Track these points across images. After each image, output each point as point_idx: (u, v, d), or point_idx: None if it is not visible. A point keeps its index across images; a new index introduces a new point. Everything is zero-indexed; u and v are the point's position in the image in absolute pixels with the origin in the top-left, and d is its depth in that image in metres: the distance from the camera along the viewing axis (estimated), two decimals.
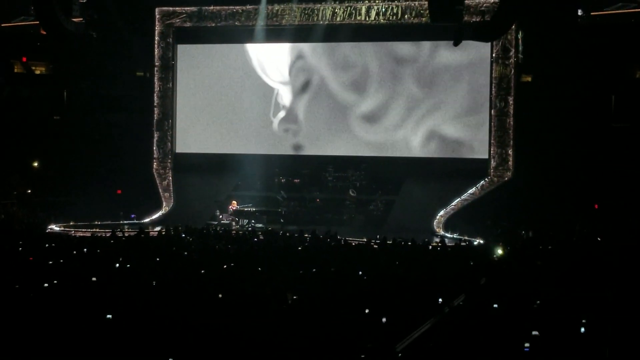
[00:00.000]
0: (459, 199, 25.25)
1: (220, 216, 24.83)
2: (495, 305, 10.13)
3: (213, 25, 27.80)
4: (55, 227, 23.73)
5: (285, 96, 27.84)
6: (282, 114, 27.77)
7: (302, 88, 27.56)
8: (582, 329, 8.84)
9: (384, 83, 26.88)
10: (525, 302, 10.35)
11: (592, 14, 26.89)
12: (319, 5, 26.65)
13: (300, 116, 27.64)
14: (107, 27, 27.75)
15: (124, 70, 29.29)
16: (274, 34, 27.19)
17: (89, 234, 21.92)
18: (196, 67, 28.65)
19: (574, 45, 24.96)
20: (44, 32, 27.60)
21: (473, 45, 24.12)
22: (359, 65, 27.07)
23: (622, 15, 27.25)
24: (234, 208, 25.02)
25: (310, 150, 27.63)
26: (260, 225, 24.01)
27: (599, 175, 24.12)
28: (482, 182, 25.62)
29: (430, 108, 26.42)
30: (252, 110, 27.91)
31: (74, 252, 15.61)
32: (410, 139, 26.66)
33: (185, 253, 15.90)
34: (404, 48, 26.86)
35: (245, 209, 25.19)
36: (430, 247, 18.44)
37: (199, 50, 28.82)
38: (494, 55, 25.45)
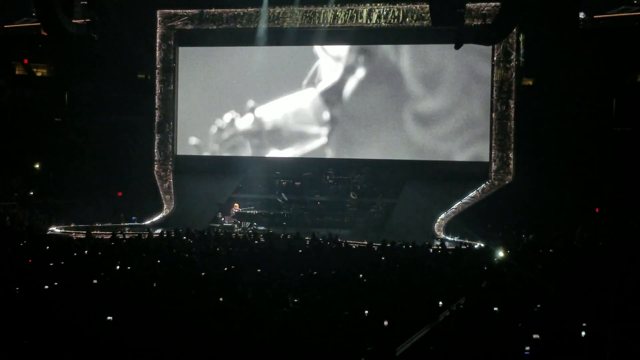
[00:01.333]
0: (459, 202, 25.22)
1: (222, 218, 24.84)
2: (496, 309, 10.13)
3: (214, 27, 27.82)
4: (56, 229, 23.73)
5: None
6: (323, 84, 27.43)
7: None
8: (583, 333, 8.83)
9: (385, 85, 26.89)
10: (526, 305, 10.35)
11: (595, 17, 26.90)
12: (321, 8, 26.68)
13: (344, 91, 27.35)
14: (108, 29, 27.73)
15: (125, 73, 29.33)
16: (276, 37, 27.22)
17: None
18: (197, 69, 28.67)
19: (575, 48, 24.97)
20: (45, 34, 27.63)
21: (474, 49, 24.13)
22: (359, 67, 27.12)
23: (625, 19, 27.28)
24: (236, 210, 25.03)
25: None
26: (262, 227, 24.03)
27: (599, 179, 24.11)
28: (482, 185, 25.60)
29: (430, 111, 26.43)
30: (254, 113, 27.95)
31: (75, 254, 15.62)
32: (411, 142, 26.68)
33: (186, 255, 15.91)
34: (405, 51, 26.88)
35: (247, 212, 25.20)
36: (430, 250, 18.43)
37: (200, 52, 28.85)
38: (495, 58, 25.46)
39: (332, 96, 27.33)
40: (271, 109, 27.86)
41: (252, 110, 27.98)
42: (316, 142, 27.61)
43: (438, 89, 26.38)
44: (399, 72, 26.76)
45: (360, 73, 27.10)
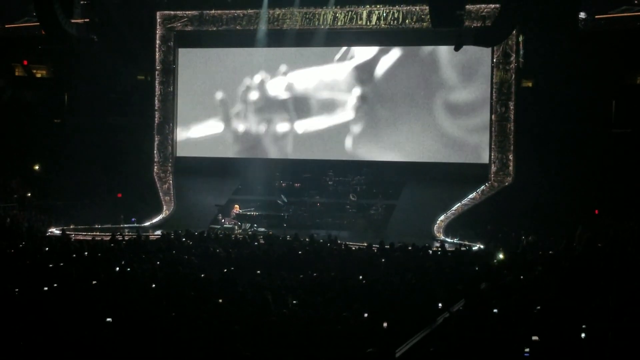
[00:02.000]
0: (459, 203, 25.23)
1: (223, 220, 24.84)
2: (495, 310, 10.12)
3: (214, 29, 27.84)
4: (55, 231, 23.71)
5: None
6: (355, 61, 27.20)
7: None
8: (583, 335, 8.82)
9: (384, 85, 26.88)
10: (526, 307, 10.34)
11: (596, 17, 26.86)
12: (320, 9, 26.69)
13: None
14: (108, 30, 27.77)
15: (125, 74, 29.32)
16: (275, 38, 27.23)
17: (89, 238, 21.88)
18: (197, 70, 28.68)
19: (574, 50, 24.96)
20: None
21: (474, 50, 24.12)
22: (358, 67, 27.13)
23: (627, 19, 27.21)
24: (236, 212, 25.03)
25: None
26: (262, 229, 24.01)
27: (599, 181, 24.10)
28: (482, 187, 25.61)
29: (430, 112, 26.42)
30: (254, 114, 27.95)
31: (74, 255, 15.61)
32: (411, 143, 26.67)
33: (186, 257, 15.89)
34: (404, 52, 26.89)
35: (248, 213, 25.20)
36: (430, 251, 18.40)
37: (200, 54, 28.86)
38: (494, 60, 25.46)
39: (363, 74, 27.13)
40: (300, 79, 27.66)
41: (252, 110, 28.00)
42: (343, 116, 27.36)
43: (436, 90, 26.34)
44: (399, 73, 26.70)
45: (359, 71, 27.03)
